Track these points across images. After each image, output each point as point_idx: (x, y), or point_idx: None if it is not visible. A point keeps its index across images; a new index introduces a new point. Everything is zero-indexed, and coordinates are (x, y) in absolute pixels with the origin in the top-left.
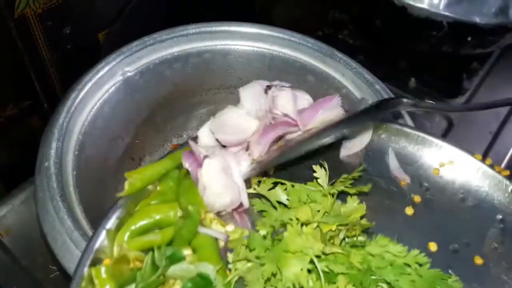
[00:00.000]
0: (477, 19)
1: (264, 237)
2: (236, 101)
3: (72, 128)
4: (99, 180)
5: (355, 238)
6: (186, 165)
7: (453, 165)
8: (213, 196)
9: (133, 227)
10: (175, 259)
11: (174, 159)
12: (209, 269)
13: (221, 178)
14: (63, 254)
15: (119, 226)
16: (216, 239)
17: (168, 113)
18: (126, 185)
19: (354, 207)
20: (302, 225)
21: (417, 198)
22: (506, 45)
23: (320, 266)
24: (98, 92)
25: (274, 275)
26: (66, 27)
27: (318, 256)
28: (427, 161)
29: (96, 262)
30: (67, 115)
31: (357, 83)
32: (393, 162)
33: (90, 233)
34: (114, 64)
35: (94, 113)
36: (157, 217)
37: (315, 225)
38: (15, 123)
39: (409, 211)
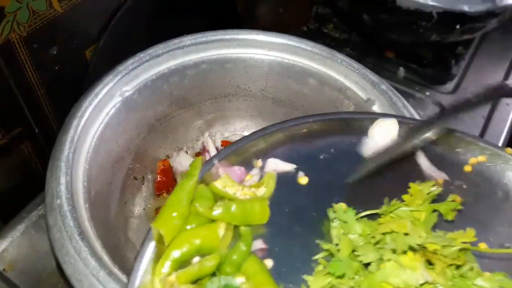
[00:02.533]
0: (466, 8)
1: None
2: (234, 109)
3: (78, 158)
4: (106, 205)
5: (462, 268)
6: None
7: (485, 161)
8: None
9: (172, 258)
10: None
11: (191, 179)
12: None
13: None
14: None
15: (157, 257)
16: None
17: (167, 127)
18: (165, 233)
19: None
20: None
21: (455, 198)
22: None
23: None
24: (99, 116)
25: None
26: (53, 47)
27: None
28: (459, 158)
29: None
30: (72, 145)
31: (361, 84)
32: (424, 162)
33: (115, 270)
34: (112, 85)
35: (97, 139)
36: (197, 242)
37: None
38: (7, 152)
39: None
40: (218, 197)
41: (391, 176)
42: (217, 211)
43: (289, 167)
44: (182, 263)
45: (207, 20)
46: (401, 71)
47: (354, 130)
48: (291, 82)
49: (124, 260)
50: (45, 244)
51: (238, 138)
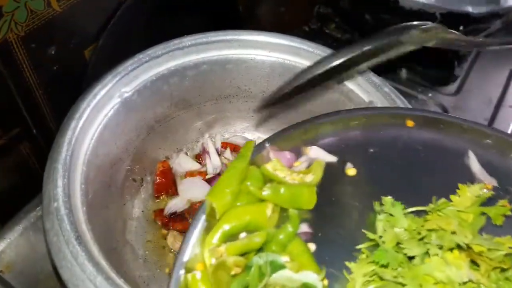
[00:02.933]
0: (470, 9)
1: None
2: (235, 110)
3: (76, 160)
4: (104, 208)
5: (507, 271)
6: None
7: None
8: None
9: (221, 231)
10: (275, 266)
11: (243, 160)
12: (315, 278)
13: None
14: None
15: (207, 230)
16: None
17: (166, 128)
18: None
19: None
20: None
21: (505, 203)
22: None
23: None
24: (98, 117)
25: None
26: (51, 47)
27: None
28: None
29: (188, 268)
30: (69, 147)
31: (364, 86)
32: (475, 165)
33: (112, 275)
34: (111, 86)
35: (95, 141)
36: (246, 218)
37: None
38: (5, 153)
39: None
40: (268, 179)
41: (440, 175)
42: (266, 192)
43: (330, 158)
44: (230, 237)
45: (208, 20)
46: (404, 73)
47: (405, 126)
48: None
49: (122, 262)
50: (43, 245)
51: (238, 139)
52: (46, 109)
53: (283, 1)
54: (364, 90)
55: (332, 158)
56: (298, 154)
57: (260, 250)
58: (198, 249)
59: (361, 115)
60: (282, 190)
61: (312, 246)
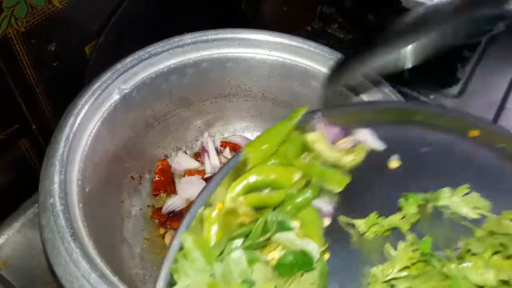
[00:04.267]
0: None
1: None
2: (234, 109)
3: (73, 156)
4: (101, 205)
5: None
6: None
7: None
8: None
9: (247, 181)
10: (283, 226)
11: (289, 122)
12: (314, 248)
13: None
14: None
15: (234, 177)
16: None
17: (165, 126)
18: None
19: None
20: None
21: None
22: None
23: None
24: (96, 114)
25: None
26: (51, 43)
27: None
28: None
29: (207, 205)
30: (67, 144)
31: (364, 85)
32: None
33: (107, 272)
34: (110, 82)
35: (93, 137)
36: (273, 176)
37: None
38: (4, 148)
39: None
40: (306, 148)
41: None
42: (300, 161)
43: (379, 145)
44: (253, 189)
45: (210, 18)
46: (405, 74)
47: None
48: (292, 83)
49: (119, 260)
50: (40, 242)
51: (238, 138)
52: (45, 105)
53: (286, 1)
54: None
55: (380, 146)
56: (347, 133)
57: (275, 209)
58: (223, 190)
59: (426, 112)
60: (316, 163)
61: (326, 221)
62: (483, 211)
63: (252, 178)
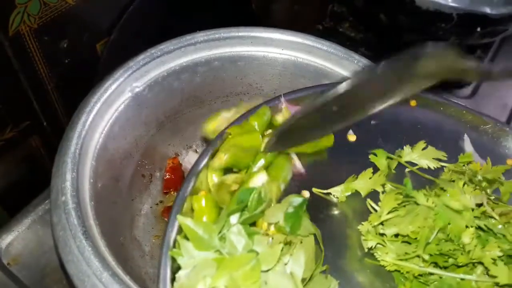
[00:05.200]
0: (488, 10)
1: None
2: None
3: (85, 154)
4: (112, 203)
5: None
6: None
7: None
8: None
9: (224, 154)
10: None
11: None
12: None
13: None
14: None
15: (212, 156)
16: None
17: (176, 124)
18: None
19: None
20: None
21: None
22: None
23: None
24: (108, 112)
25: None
26: (63, 40)
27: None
28: (501, 151)
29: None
30: (79, 141)
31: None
32: (468, 147)
33: (118, 271)
34: (122, 80)
35: (105, 135)
36: (246, 142)
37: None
38: (15, 145)
39: None
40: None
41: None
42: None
43: None
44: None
45: (221, 17)
46: None
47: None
48: (305, 82)
49: (129, 258)
50: (50, 239)
51: None
52: (57, 102)
53: (296, 0)
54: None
55: None
56: None
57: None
58: (203, 175)
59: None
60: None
61: (306, 194)
62: (442, 161)
63: (226, 152)
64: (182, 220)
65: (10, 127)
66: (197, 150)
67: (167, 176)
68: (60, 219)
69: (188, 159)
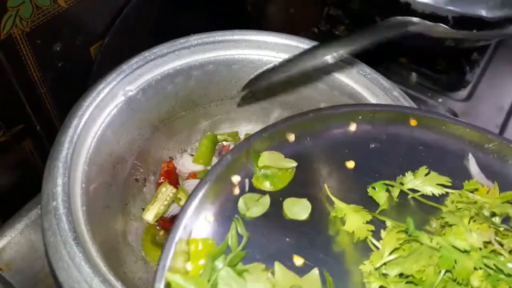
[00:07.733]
0: (483, 13)
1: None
2: (240, 112)
3: (77, 158)
4: (105, 208)
5: None
6: None
7: None
8: None
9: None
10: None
11: None
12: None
13: None
14: None
15: None
16: None
17: (170, 128)
18: None
19: None
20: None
21: None
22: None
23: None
24: (101, 116)
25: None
26: (56, 44)
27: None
28: (509, 171)
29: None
30: (71, 145)
31: (372, 90)
32: (473, 167)
33: (110, 277)
34: (115, 84)
35: (97, 139)
36: None
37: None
38: (8, 149)
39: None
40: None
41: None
42: None
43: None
44: None
45: (216, 19)
46: (414, 77)
47: (408, 125)
48: (300, 86)
49: (122, 264)
50: (43, 244)
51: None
52: (50, 106)
53: (292, 2)
54: (372, 93)
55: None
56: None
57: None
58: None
59: (366, 110)
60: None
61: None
62: (446, 187)
63: None
64: (170, 278)
65: (3, 131)
66: (192, 154)
67: (162, 180)
68: (51, 225)
69: (183, 163)
